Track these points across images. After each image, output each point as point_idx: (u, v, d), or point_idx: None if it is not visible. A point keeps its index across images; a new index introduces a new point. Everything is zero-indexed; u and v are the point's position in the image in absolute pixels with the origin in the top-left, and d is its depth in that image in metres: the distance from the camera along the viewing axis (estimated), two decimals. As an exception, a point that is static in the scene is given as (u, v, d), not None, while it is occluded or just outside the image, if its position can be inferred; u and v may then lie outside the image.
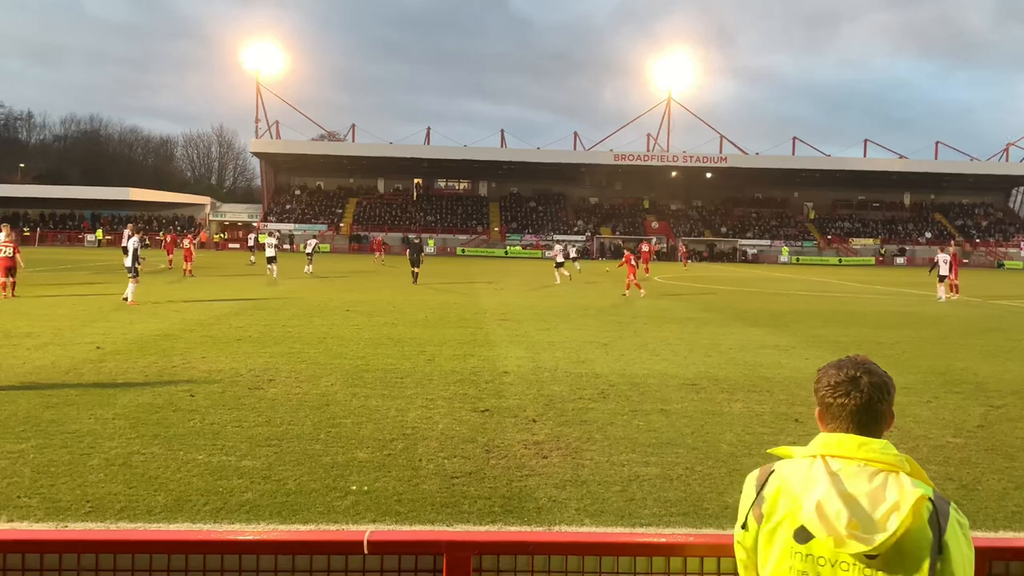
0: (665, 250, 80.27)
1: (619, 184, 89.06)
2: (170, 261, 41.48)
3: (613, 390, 9.70)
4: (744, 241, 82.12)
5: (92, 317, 16.45)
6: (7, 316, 16.22)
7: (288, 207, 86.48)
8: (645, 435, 7.55)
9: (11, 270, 20.87)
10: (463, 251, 78.32)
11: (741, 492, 2.15)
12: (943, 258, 27.72)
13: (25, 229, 76.93)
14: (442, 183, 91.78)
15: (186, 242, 34.46)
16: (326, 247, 66.94)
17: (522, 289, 29.07)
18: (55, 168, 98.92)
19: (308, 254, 38.81)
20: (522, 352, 12.70)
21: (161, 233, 63.43)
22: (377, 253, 54.25)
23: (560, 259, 34.54)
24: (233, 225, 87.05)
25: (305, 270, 36.55)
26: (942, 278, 27.54)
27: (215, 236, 79.48)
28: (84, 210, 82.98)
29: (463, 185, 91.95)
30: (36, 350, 11.89)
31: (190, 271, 32.59)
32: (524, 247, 78.55)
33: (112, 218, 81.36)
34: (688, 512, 5.52)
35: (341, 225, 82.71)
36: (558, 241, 45.46)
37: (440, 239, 78.35)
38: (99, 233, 78.02)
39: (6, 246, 21.09)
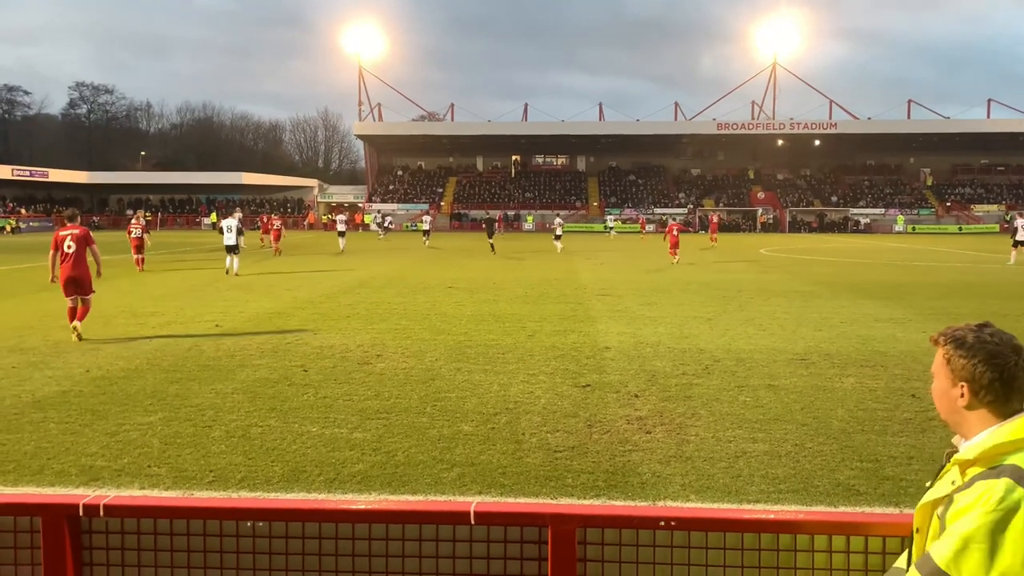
0: (771, 221, 77.89)
1: (722, 154, 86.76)
2: (262, 239, 43.04)
3: (718, 366, 9.56)
4: (856, 210, 78.70)
5: (210, 297, 17.30)
6: (135, 296, 17.25)
7: (391, 187, 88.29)
8: (752, 411, 7.43)
9: (140, 248, 25.29)
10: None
11: (987, 494, 1.80)
12: (1022, 223, 28.64)
13: (147, 214, 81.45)
14: (540, 159, 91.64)
15: (276, 222, 35.60)
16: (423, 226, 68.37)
17: (622, 264, 28.89)
18: (172, 155, 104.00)
19: (425, 231, 44.65)
20: (623, 327, 12.66)
21: (266, 216, 65.91)
22: (499, 228, 59.76)
23: (559, 231, 38.69)
24: (340, 206, 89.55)
25: (425, 243, 42.47)
26: (1017, 243, 28.40)
27: (322, 217, 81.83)
28: (200, 194, 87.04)
29: (561, 160, 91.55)
30: (161, 327, 12.61)
31: (278, 250, 33.91)
32: (624, 221, 77.68)
33: (226, 202, 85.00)
34: (797, 489, 5.40)
35: (442, 204, 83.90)
36: (558, 214, 48.70)
37: (539, 215, 78.19)
38: (213, 216, 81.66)
39: (136, 227, 25.67)
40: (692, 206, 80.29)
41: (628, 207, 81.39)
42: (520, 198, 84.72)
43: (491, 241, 37.40)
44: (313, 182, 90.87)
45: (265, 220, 47.66)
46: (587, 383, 8.58)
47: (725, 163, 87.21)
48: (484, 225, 38.29)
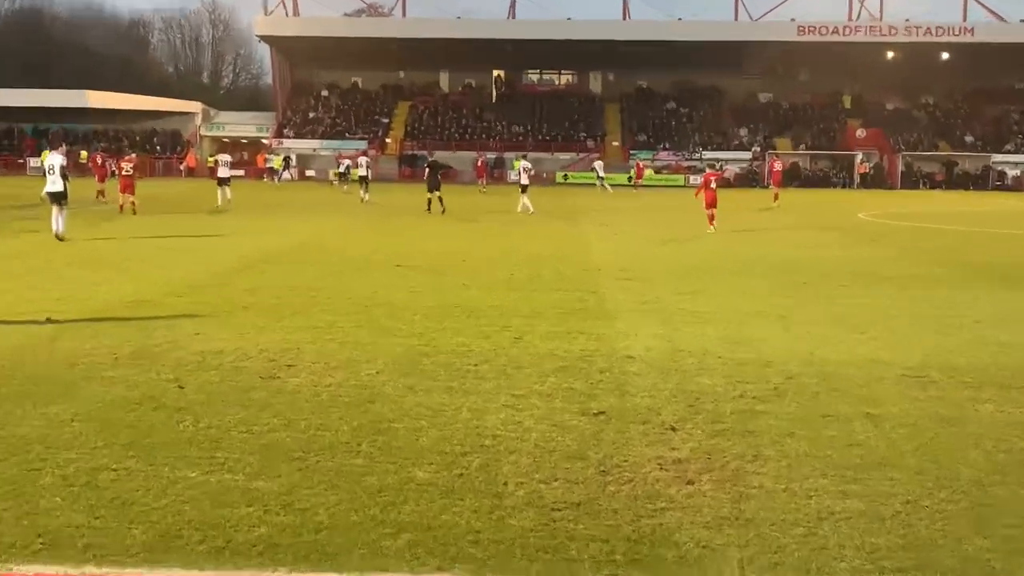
0: (874, 172, 78.21)
1: (804, 72, 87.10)
2: (101, 192, 42.84)
3: (793, 384, 9.61)
4: (1001, 157, 79.19)
5: (40, 276, 17.20)
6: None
7: (312, 115, 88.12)
8: (843, 452, 7.45)
9: None
10: (565, 177, 78.33)
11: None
12: None
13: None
14: (534, 76, 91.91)
15: (126, 166, 35.28)
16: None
17: (653, 233, 28.92)
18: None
19: (362, 179, 46.84)
20: (654, 327, 12.74)
21: (88, 152, 64.96)
22: (480, 180, 61.03)
23: (525, 180, 39.29)
24: (236, 143, 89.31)
25: (362, 198, 45.00)
26: None
27: (208, 159, 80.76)
28: (25, 123, 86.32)
29: (565, 79, 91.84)
30: (-35, 323, 12.52)
31: (133, 206, 34.02)
32: (658, 170, 77.89)
33: (65, 134, 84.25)
34: (908, 568, 5.44)
35: (388, 140, 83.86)
36: (524, 156, 49.06)
37: (533, 160, 77.97)
38: (45, 155, 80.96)
39: None
40: (759, 148, 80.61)
41: (664, 148, 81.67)
42: (504, 133, 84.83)
43: (436, 194, 36.85)
44: (195, 106, 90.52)
45: (102, 160, 46.81)
46: (600, 409, 8.59)
47: (809, 86, 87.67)
48: (427, 170, 39.30)
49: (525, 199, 38.10)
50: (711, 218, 28.96)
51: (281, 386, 9.30)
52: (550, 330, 12.43)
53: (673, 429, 8.02)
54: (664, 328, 12.69)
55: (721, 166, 58.72)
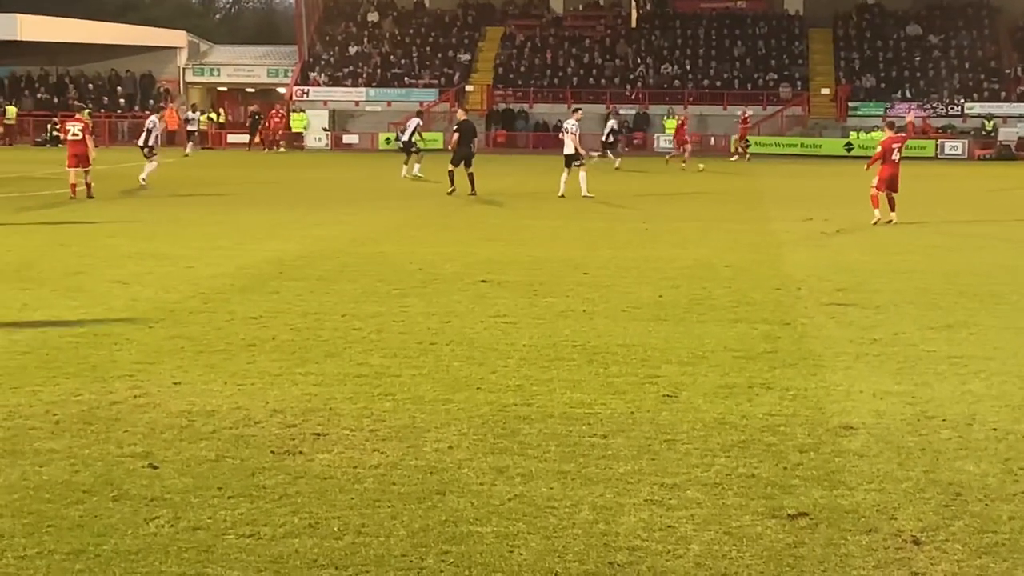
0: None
1: None
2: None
3: None
4: None
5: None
6: None
7: (354, 50, 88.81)
8: None
9: None
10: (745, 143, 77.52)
11: None
12: None
13: None
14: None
15: (73, 128, 35.91)
16: (436, 136, 67.04)
17: (888, 234, 28.75)
18: None
19: (404, 143, 47.57)
20: (888, 382, 12.68)
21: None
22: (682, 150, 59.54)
23: (570, 148, 39.60)
24: (238, 92, 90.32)
25: (402, 174, 45.40)
26: None
27: (202, 117, 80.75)
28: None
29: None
30: None
31: (88, 188, 35.32)
32: (888, 126, 76.84)
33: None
34: None
35: (468, 89, 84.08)
36: (576, 109, 48.63)
37: (692, 114, 77.59)
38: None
39: None
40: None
41: (903, 99, 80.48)
42: (650, 77, 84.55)
43: (455, 169, 39.69)
44: (178, 37, 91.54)
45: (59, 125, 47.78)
46: (801, 510, 8.54)
47: None
48: (455, 134, 41.35)
49: (581, 170, 39.59)
50: (889, 203, 29.59)
51: (304, 467, 9.36)
52: (721, 384, 12.42)
53: (917, 543, 7.92)
54: (905, 383, 12.59)
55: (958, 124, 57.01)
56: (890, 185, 29.66)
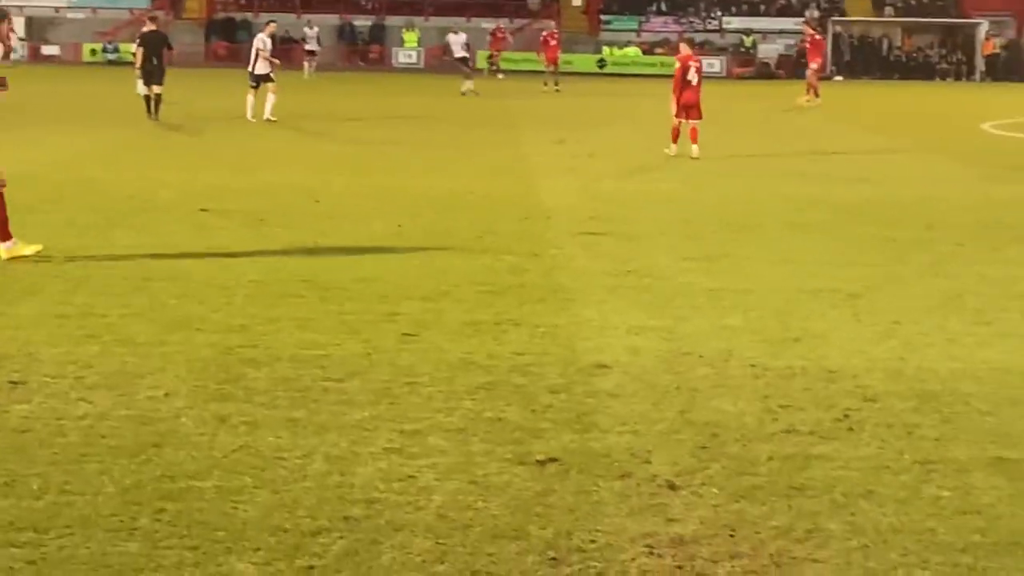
0: (1003, 53, 78.76)
1: None
2: None
3: (873, 411, 9.68)
4: None
5: None
6: None
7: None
8: (955, 525, 7.33)
9: None
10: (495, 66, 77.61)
11: None
12: None
13: None
14: None
15: None
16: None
17: (639, 150, 29.60)
18: None
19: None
20: (643, 316, 12.80)
21: None
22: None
23: (264, 68, 39.09)
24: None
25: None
26: None
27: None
28: None
29: None
30: None
31: None
32: (647, 50, 78.04)
33: None
34: None
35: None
36: (270, 22, 49.66)
37: (441, 29, 77.46)
38: None
39: None
40: (817, 13, 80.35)
41: (658, 12, 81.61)
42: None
43: (148, 91, 37.12)
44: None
45: None
46: (551, 455, 8.44)
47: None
48: (139, 47, 38.44)
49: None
50: (691, 134, 28.84)
51: (3, 420, 9.01)
52: (466, 321, 12.47)
53: (673, 487, 7.95)
54: (661, 318, 12.71)
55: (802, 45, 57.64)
56: (688, 112, 28.99)
